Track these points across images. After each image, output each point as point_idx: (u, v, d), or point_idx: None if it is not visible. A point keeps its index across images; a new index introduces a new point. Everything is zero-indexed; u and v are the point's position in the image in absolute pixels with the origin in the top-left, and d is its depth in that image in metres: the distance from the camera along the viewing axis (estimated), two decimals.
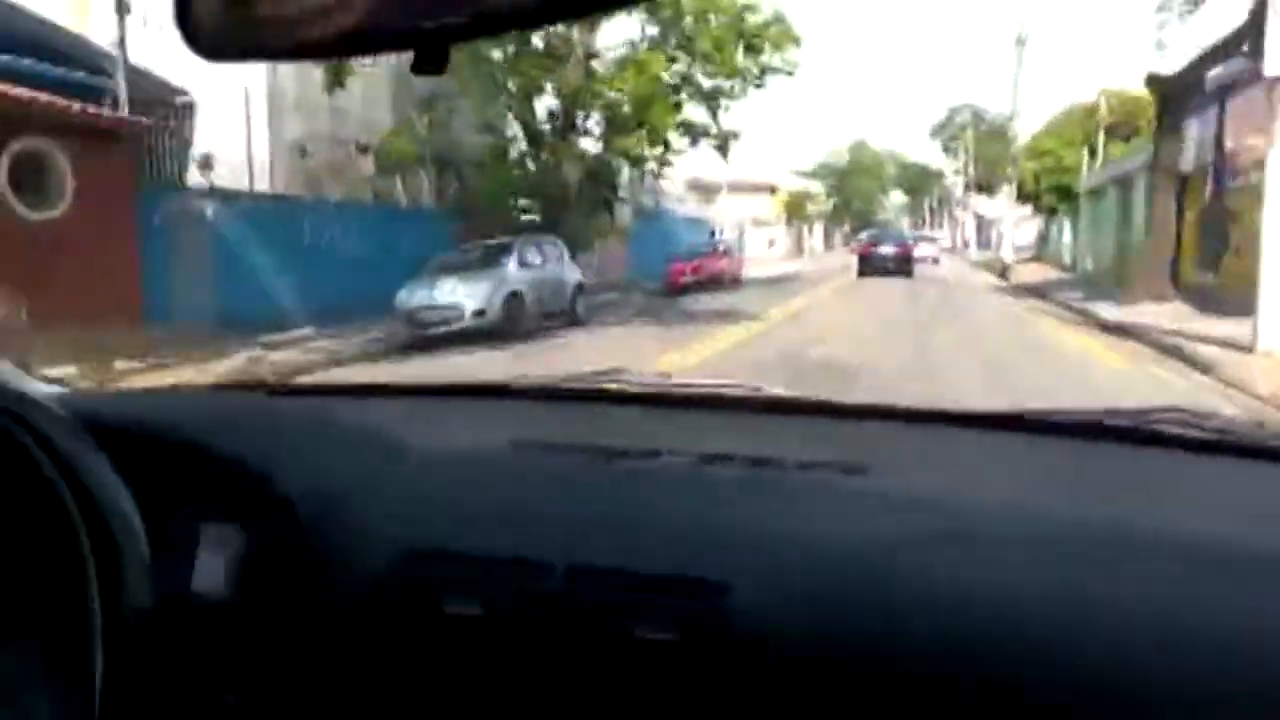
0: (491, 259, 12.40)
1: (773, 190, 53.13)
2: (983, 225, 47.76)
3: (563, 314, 13.10)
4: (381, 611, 0.86)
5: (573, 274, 13.81)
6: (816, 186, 66.37)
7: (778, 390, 1.27)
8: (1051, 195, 29.73)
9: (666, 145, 17.89)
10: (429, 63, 0.54)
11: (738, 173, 44.77)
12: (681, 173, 32.92)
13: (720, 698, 0.76)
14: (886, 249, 25.99)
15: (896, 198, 77.09)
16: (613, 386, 1.32)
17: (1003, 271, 24.82)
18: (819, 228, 66.38)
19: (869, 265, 25.08)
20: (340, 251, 13.51)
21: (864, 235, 34.47)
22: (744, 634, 0.76)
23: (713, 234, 30.35)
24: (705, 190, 40.75)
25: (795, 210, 61.26)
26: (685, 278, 20.86)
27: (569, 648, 0.80)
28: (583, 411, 1.32)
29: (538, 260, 12.91)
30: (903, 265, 24.78)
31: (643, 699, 0.78)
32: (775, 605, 0.76)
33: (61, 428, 0.73)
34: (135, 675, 0.67)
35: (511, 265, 12.29)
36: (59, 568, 0.77)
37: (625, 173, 20.13)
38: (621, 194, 21.06)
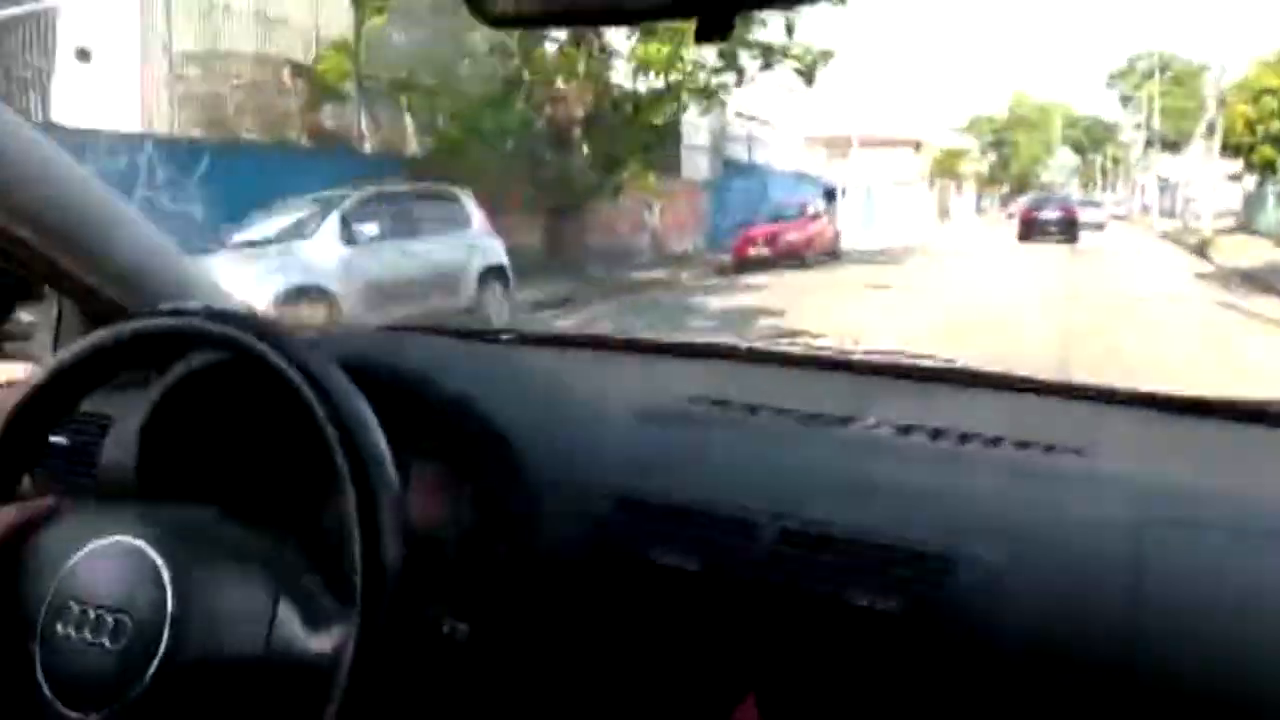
0: (295, 227, 7.32)
1: (916, 146, 46.72)
2: (1166, 189, 40.64)
3: (459, 316, 7.81)
4: (594, 556, 0.87)
5: (481, 252, 8.52)
6: (970, 143, 59.69)
7: (977, 365, 1.23)
8: (1272, 146, 22.92)
9: (739, 70, 13.09)
10: (713, 30, 0.53)
11: (874, 127, 39.49)
12: (804, 126, 28.20)
13: (939, 674, 0.75)
14: (1049, 213, 25.39)
15: (1064, 157, 68.26)
16: (800, 350, 1.31)
17: (1201, 247, 18.70)
18: (970, 189, 59.51)
19: (1031, 229, 24.58)
20: (154, 217, 8.71)
21: (1024, 199, 31.96)
22: (970, 611, 0.74)
23: (831, 195, 25.09)
24: (834, 145, 35.33)
25: (945, 170, 55.15)
26: (756, 248, 15.86)
27: (782, 606, 0.80)
28: (767, 374, 1.28)
29: (377, 229, 7.53)
30: (1067, 229, 24.15)
31: (856, 666, 0.78)
32: (1005, 584, 0.75)
33: (315, 357, 0.75)
34: (391, 586, 0.68)
35: (318, 240, 7.19)
36: (318, 484, 0.88)
37: (692, 111, 15.42)
38: (691, 140, 16.29)
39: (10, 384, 1.06)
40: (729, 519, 0.83)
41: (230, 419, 0.97)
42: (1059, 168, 68.17)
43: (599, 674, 0.88)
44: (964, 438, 0.93)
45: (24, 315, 1.19)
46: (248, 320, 0.77)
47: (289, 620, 0.69)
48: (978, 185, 60.93)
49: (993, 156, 62.13)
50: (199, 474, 0.94)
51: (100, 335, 0.80)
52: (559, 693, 0.89)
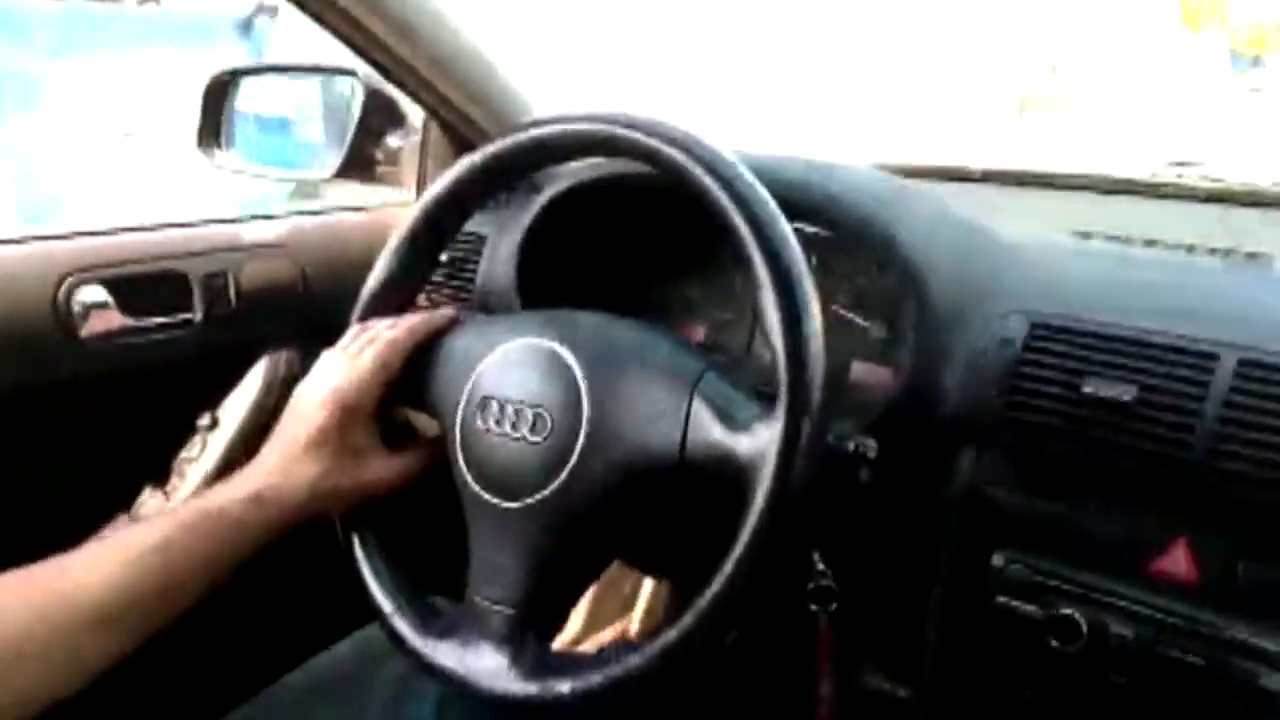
0: None
1: None
2: None
3: None
4: (1008, 384, 0.83)
5: None
6: None
7: None
8: None
9: None
10: None
11: None
12: None
13: None
14: None
15: None
16: (1178, 180, 1.21)
17: None
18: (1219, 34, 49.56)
19: None
20: None
21: None
22: None
23: None
24: None
25: (1262, 41, 46.68)
26: None
27: (1237, 444, 0.74)
28: (1141, 206, 1.19)
29: None
30: None
31: None
32: None
33: (742, 174, 0.71)
34: (815, 397, 0.66)
35: None
36: (718, 296, 0.99)
37: None
38: None
39: (385, 205, 1.32)
40: (1171, 348, 0.78)
41: (610, 231, 1.01)
42: None
43: (1011, 498, 0.85)
44: None
45: (392, 140, 1.26)
46: (672, 131, 0.73)
47: (704, 423, 0.68)
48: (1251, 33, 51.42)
49: None
50: (579, 287, 0.94)
51: (509, 140, 0.79)
52: (964, 513, 0.87)
